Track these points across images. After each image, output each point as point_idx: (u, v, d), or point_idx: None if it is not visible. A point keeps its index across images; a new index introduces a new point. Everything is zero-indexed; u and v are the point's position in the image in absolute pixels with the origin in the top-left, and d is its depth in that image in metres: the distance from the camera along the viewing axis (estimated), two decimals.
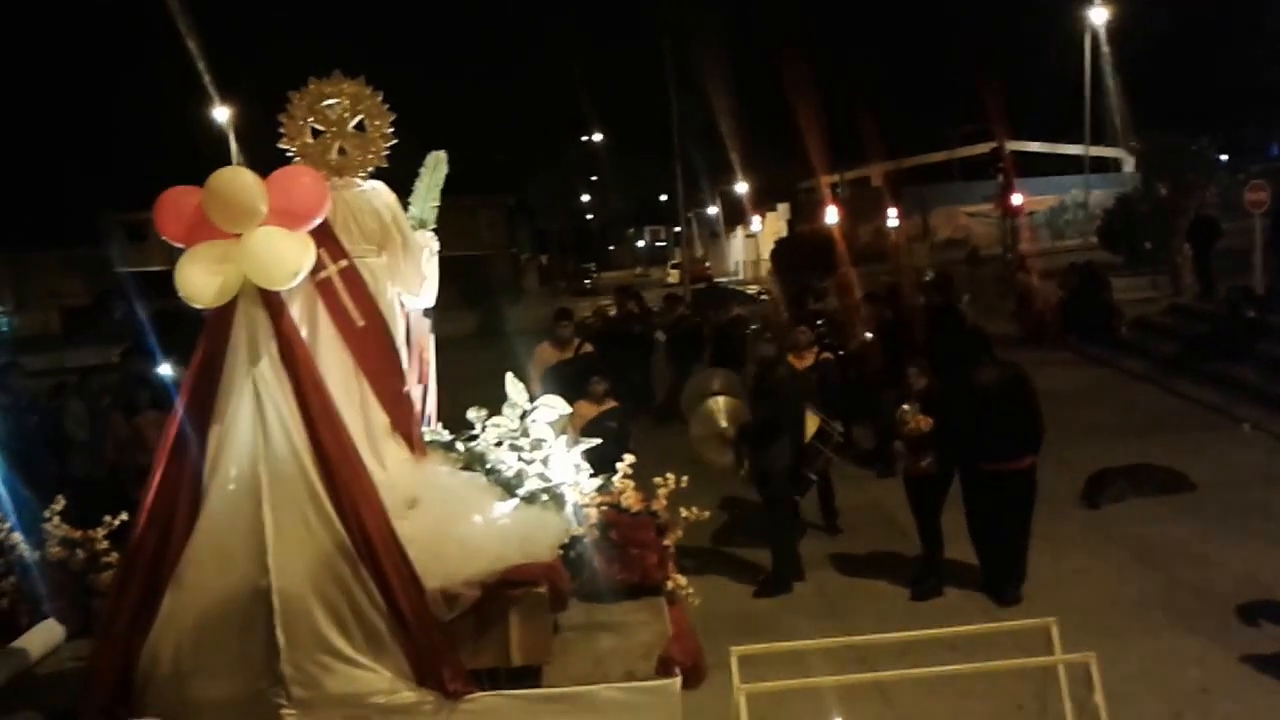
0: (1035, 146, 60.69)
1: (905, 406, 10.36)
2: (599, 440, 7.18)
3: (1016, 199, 39.29)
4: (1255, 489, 10.39)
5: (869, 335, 15.52)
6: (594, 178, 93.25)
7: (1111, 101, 53.85)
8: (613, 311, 22.12)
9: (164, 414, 12.67)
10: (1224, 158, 46.02)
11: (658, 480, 7.21)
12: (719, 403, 11.71)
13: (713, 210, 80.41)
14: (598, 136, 76.27)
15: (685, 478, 7.23)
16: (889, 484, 14.42)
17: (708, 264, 73.40)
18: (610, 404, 11.44)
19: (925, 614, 10.03)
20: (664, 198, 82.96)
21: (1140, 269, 32.16)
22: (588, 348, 14.99)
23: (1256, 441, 15.16)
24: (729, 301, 22.88)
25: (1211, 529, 11.72)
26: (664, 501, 7.05)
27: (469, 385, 7.70)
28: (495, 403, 6.87)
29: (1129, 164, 54.61)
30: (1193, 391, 18.86)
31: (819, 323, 15.80)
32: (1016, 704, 7.82)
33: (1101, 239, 37.81)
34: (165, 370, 13.90)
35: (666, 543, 6.93)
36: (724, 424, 11.41)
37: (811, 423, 11.51)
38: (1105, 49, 51.93)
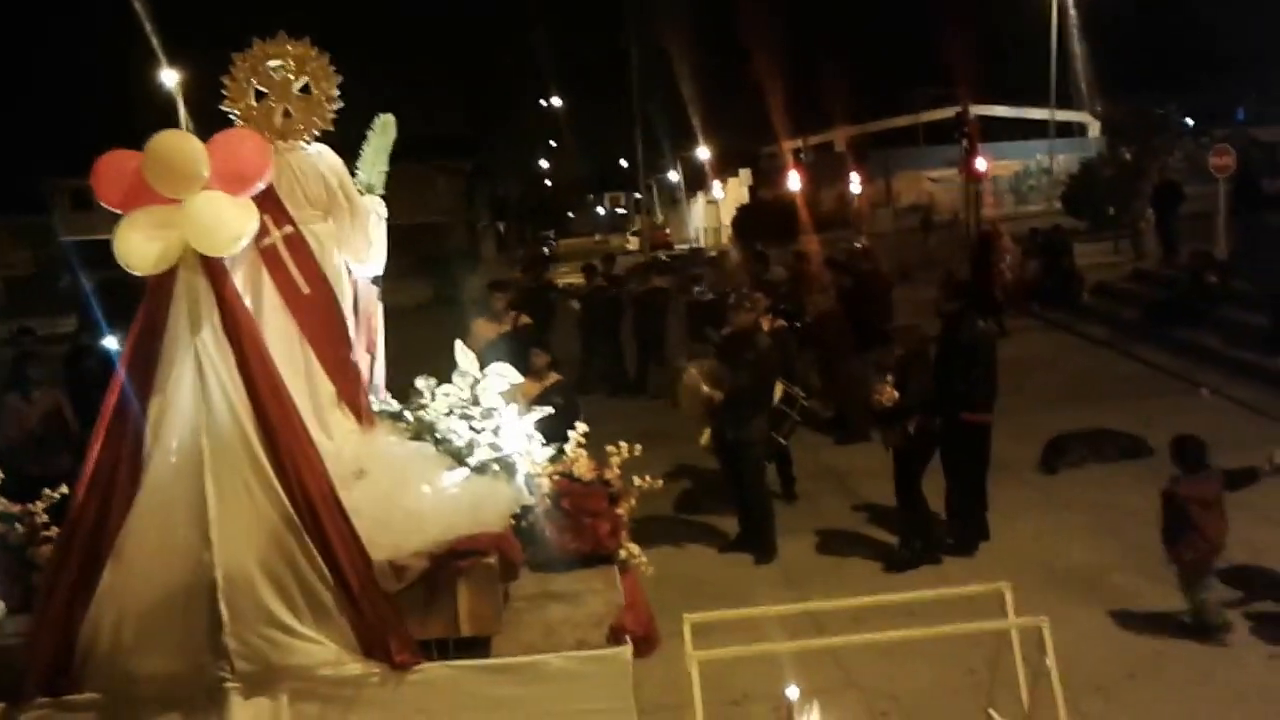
0: (1000, 111, 60.64)
1: (889, 378, 10.36)
2: (549, 410, 7.10)
3: (980, 164, 39.31)
4: (1212, 454, 10.39)
5: (814, 309, 15.43)
6: (553, 143, 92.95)
7: (1078, 66, 54.05)
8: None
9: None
10: (1189, 122, 46.28)
11: (611, 449, 7.14)
12: (694, 372, 11.58)
13: (674, 176, 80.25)
14: (557, 101, 75.95)
15: (639, 446, 7.17)
16: (846, 451, 14.50)
17: (668, 230, 73.23)
18: (553, 379, 11.26)
19: (881, 580, 10.05)
20: (624, 163, 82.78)
21: (1104, 234, 32.32)
22: (524, 319, 14.86)
23: (1216, 407, 15.24)
24: (648, 272, 22.81)
25: None
26: (617, 470, 6.98)
27: (423, 354, 7.61)
28: (449, 372, 6.78)
29: (1094, 129, 54.94)
30: (1153, 357, 18.98)
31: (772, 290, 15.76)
32: (970, 668, 7.83)
33: (1065, 204, 37.97)
34: (111, 342, 13.69)
35: (619, 511, 6.86)
36: (706, 389, 11.27)
37: (777, 388, 11.50)
38: (1072, 12, 52.07)
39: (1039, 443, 13.35)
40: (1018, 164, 59.30)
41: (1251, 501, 9.19)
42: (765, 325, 12.45)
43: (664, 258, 29.96)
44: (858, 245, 20.93)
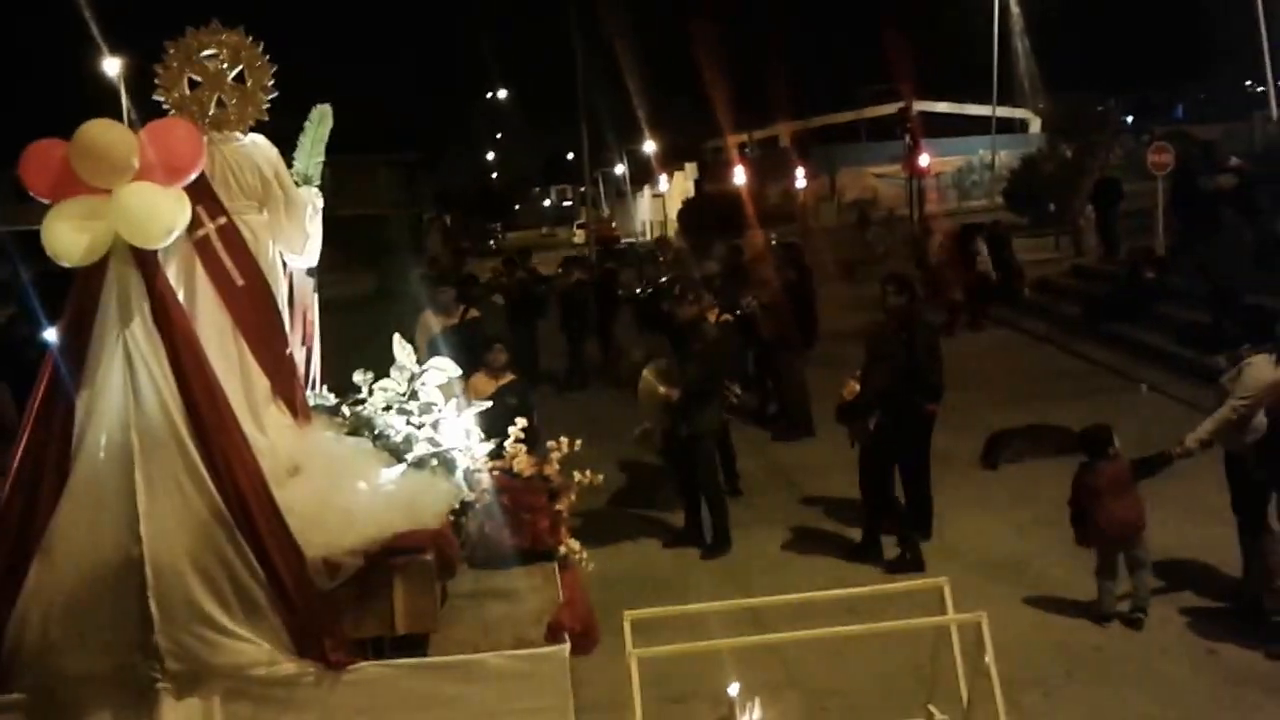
0: (943, 107, 61.05)
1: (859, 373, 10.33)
2: (488, 404, 7.04)
3: (923, 160, 39.55)
4: (1150, 450, 10.51)
5: (754, 302, 15.39)
6: (499, 135, 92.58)
7: (1020, 62, 54.47)
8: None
9: None
10: (1129, 119, 46.78)
11: (551, 444, 7.11)
12: (649, 375, 11.53)
13: (620, 169, 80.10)
14: (503, 93, 75.62)
15: (579, 441, 7.13)
16: (787, 446, 14.53)
17: (614, 224, 73.16)
18: (509, 377, 11.15)
19: (823, 576, 10.05)
20: (570, 156, 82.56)
21: (1044, 230, 32.56)
22: (474, 313, 14.76)
23: (1154, 403, 15.39)
24: (571, 267, 22.82)
25: None
26: (556, 466, 6.95)
27: (364, 348, 7.51)
28: (390, 366, 6.70)
29: (1036, 125, 55.38)
30: (1093, 353, 19.16)
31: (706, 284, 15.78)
32: (912, 664, 7.83)
33: (1007, 200, 38.24)
34: (52, 334, 13.44)
35: (559, 507, 6.83)
36: (662, 389, 11.22)
37: None
38: (1014, 9, 52.47)
39: (980, 438, 13.42)
40: (960, 160, 59.62)
41: (1177, 496, 9.25)
42: (711, 318, 12.45)
43: (583, 253, 29.96)
44: (793, 241, 21.08)
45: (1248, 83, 51.86)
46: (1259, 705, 7.47)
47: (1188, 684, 7.85)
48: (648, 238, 64.90)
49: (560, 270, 23.24)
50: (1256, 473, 8.32)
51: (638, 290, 20.84)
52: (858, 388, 10.21)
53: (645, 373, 11.54)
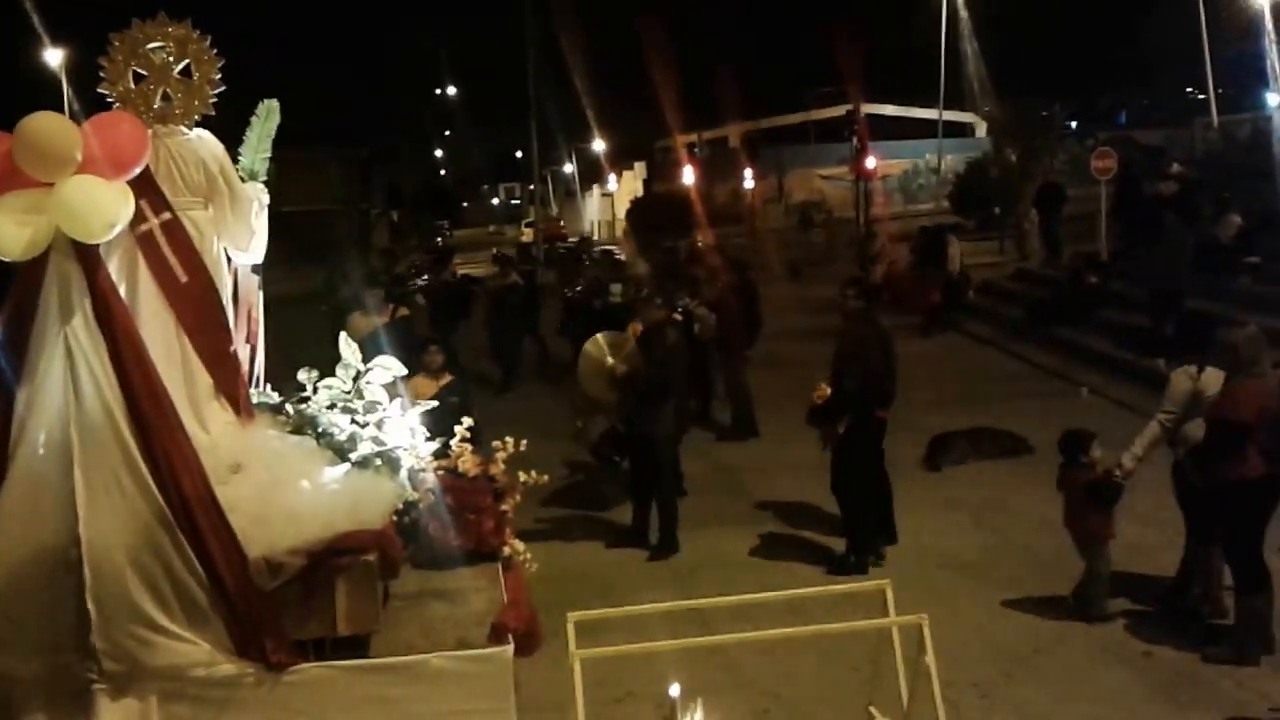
0: (891, 110, 61.34)
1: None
2: (434, 403, 7.02)
3: (870, 162, 39.73)
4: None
5: (693, 303, 15.42)
6: (448, 133, 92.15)
7: (969, 67, 54.85)
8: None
9: None
10: (1074, 124, 47.20)
11: (496, 444, 7.10)
12: (600, 340, 11.55)
13: (569, 168, 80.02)
14: (452, 90, 75.30)
15: (525, 441, 7.12)
16: (731, 447, 14.60)
17: (562, 223, 73.04)
18: (448, 377, 11.12)
19: (767, 577, 10.08)
20: (519, 154, 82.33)
21: (989, 233, 32.85)
22: (404, 312, 14.68)
23: (1095, 406, 15.57)
24: (506, 267, 22.72)
25: (1048, 492, 11.91)
26: (502, 466, 6.93)
27: (311, 345, 7.47)
28: (335, 363, 6.66)
29: (982, 129, 55.76)
30: (1035, 356, 19.39)
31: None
32: (853, 665, 7.89)
33: (953, 203, 38.53)
34: None
35: (504, 508, 6.81)
36: (610, 360, 11.22)
37: None
38: (962, 14, 52.85)
39: (923, 440, 13.52)
40: (907, 163, 59.97)
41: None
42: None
43: (509, 253, 29.83)
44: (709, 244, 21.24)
45: (1189, 89, 52.64)
46: (1192, 705, 7.58)
47: (1124, 685, 7.95)
48: (596, 235, 64.88)
49: (495, 270, 23.16)
50: (1195, 478, 8.45)
51: (567, 292, 20.73)
52: (829, 391, 10.13)
53: (598, 337, 11.57)
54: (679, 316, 13.95)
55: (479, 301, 21.34)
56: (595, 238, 60.84)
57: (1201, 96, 40.09)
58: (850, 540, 10.48)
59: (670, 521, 11.15)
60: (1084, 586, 9.06)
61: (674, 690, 7.27)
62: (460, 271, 24.20)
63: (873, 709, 6.69)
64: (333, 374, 6.58)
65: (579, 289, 20.09)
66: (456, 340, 19.90)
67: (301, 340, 8.01)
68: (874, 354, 10.46)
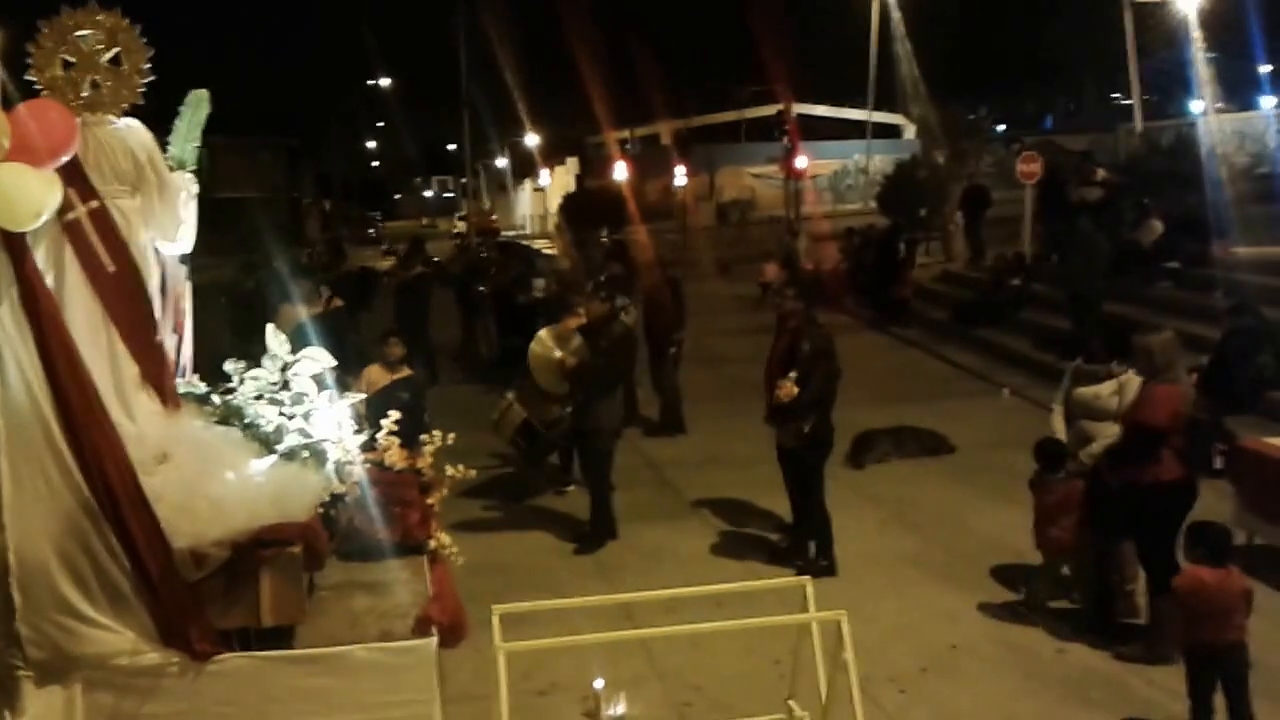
0: (821, 110, 61.72)
1: (792, 375, 10.02)
2: (362, 396, 7.04)
3: (801, 162, 40.00)
4: (1010, 452, 10.88)
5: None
6: (381, 124, 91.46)
7: (901, 68, 55.22)
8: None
9: None
10: (1001, 128, 47.78)
11: (424, 437, 7.13)
12: (544, 337, 11.65)
13: (501, 162, 79.69)
14: (385, 81, 74.73)
15: (453, 435, 7.16)
16: (659, 442, 14.70)
17: (494, 217, 72.75)
18: (405, 371, 11.08)
19: (691, 571, 10.17)
20: (452, 147, 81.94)
21: (915, 235, 33.17)
22: (337, 303, 14.61)
23: (1016, 406, 15.88)
24: (411, 260, 22.62)
25: (968, 491, 12.23)
26: (429, 459, 6.97)
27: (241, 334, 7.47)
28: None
29: (910, 131, 56.21)
30: (959, 357, 19.67)
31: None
32: (774, 659, 8.00)
33: (880, 204, 38.82)
34: None
35: (430, 501, 6.85)
36: (558, 353, 11.24)
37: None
38: (894, 15, 53.25)
39: (847, 438, 13.66)
40: (837, 163, 60.38)
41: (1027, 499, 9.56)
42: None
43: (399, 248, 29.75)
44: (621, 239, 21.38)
45: (1115, 95, 53.51)
46: (1102, 702, 7.76)
47: (1036, 681, 8.11)
48: (528, 230, 64.68)
49: (397, 261, 23.11)
50: (1109, 479, 8.60)
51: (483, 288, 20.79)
52: (795, 390, 9.97)
53: (542, 334, 11.60)
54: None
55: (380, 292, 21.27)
56: (529, 231, 60.69)
57: (1127, 102, 40.70)
58: (818, 541, 10.39)
59: (603, 516, 11.22)
60: (1035, 583, 9.31)
61: (598, 683, 7.38)
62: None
63: (792, 703, 6.79)
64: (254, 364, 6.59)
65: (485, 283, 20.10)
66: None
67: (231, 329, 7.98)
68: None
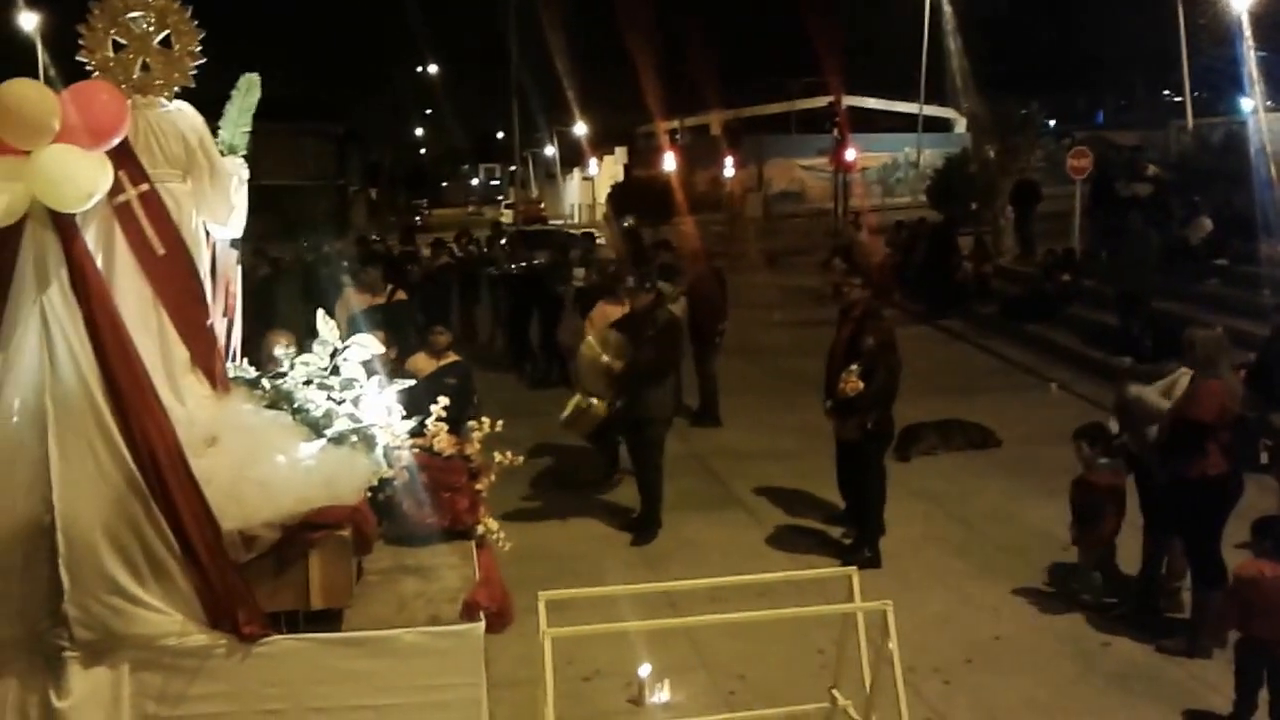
0: (872, 103, 61.27)
1: (853, 368, 10.02)
2: (411, 383, 7.03)
3: (850, 154, 39.78)
4: (1057, 447, 10.79)
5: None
6: (429, 111, 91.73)
7: (952, 62, 54.79)
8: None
9: None
10: (1051, 123, 47.31)
11: (472, 424, 7.13)
12: (591, 342, 11.59)
13: (550, 151, 79.77)
14: (433, 68, 74.97)
15: (500, 422, 7.15)
16: (703, 433, 14.65)
17: (542, 205, 72.86)
18: (451, 358, 11.07)
19: (736, 560, 10.14)
20: (500, 135, 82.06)
21: (965, 229, 32.94)
22: (401, 295, 14.61)
23: (1063, 402, 15.75)
24: (439, 250, 22.72)
25: (1014, 485, 12.14)
26: (477, 445, 6.96)
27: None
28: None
29: (961, 125, 55.81)
30: (1007, 351, 19.53)
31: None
32: (818, 649, 7.97)
33: (930, 198, 38.59)
34: None
35: (478, 486, 6.84)
36: (606, 358, 11.22)
37: None
38: (946, 8, 52.84)
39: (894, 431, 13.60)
40: (887, 156, 59.99)
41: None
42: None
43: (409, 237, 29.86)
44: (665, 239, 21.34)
45: (1166, 92, 52.90)
46: (1144, 695, 7.74)
47: (1080, 674, 8.09)
48: (575, 219, 64.72)
49: (429, 252, 23.11)
50: (1157, 474, 8.54)
51: (512, 267, 20.41)
52: (861, 385, 9.91)
53: (590, 339, 11.58)
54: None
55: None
56: (576, 220, 60.73)
57: (1178, 99, 40.25)
58: (863, 533, 10.38)
59: (653, 505, 11.17)
60: (1086, 577, 9.31)
61: (643, 669, 7.37)
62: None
63: (835, 692, 6.76)
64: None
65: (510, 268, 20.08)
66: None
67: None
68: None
